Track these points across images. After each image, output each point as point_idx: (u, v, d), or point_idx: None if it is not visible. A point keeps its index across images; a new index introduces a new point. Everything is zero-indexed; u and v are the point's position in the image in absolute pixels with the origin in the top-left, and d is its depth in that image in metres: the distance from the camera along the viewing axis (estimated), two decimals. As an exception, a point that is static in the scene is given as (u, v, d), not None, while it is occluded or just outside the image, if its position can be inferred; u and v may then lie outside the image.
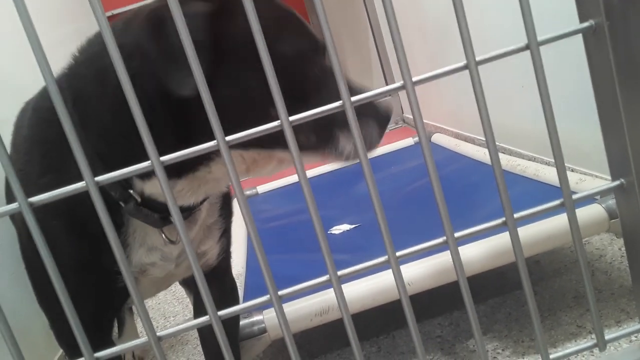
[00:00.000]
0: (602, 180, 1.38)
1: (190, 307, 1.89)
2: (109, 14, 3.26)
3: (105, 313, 0.93)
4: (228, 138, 0.53)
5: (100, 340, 0.90)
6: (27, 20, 0.49)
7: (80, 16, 2.82)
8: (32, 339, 1.40)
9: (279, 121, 0.54)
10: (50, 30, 2.29)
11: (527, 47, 0.55)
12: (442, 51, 2.44)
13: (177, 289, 2.05)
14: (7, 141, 1.25)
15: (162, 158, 0.54)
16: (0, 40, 1.76)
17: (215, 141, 0.53)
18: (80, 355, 0.57)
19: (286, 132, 0.54)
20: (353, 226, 1.69)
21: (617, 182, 0.64)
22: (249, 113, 0.73)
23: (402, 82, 0.55)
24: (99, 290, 0.86)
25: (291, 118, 0.54)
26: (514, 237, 0.61)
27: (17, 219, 0.88)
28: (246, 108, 0.73)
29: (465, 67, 0.54)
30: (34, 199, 0.53)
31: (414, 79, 0.54)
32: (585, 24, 0.59)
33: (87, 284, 0.86)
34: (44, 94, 0.87)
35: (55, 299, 0.56)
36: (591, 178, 1.40)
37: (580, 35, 0.63)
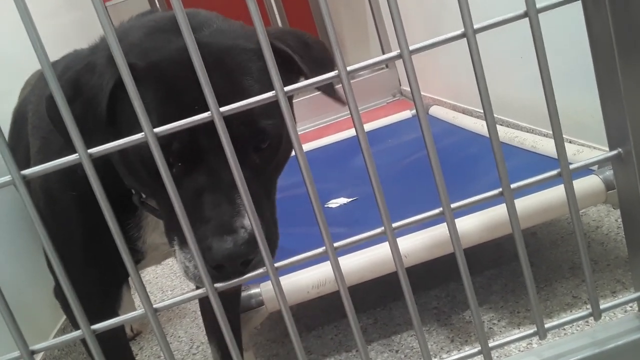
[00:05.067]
0: (600, 152, 1.37)
1: (188, 281, 1.89)
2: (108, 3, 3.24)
3: (113, 282, 0.96)
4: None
5: (105, 309, 0.92)
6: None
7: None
8: (30, 312, 1.41)
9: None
10: (39, 1, 2.26)
11: (525, 15, 0.54)
12: (439, 22, 2.41)
13: (175, 263, 2.06)
14: (4, 112, 1.25)
15: (156, 130, 0.53)
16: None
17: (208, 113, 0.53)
18: (87, 322, 0.57)
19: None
20: (350, 200, 1.69)
21: (614, 152, 0.64)
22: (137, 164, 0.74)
23: (398, 51, 0.54)
24: (108, 259, 0.88)
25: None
26: (511, 208, 0.60)
27: (33, 187, 0.90)
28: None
29: (463, 35, 0.54)
30: (27, 171, 0.53)
31: (411, 47, 0.53)
32: (585, -9, 0.58)
33: (96, 251, 0.90)
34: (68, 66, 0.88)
35: (65, 266, 0.57)
36: (589, 149, 1.40)
37: (579, 6, 0.62)
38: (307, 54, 0.77)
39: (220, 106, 0.54)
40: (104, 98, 0.68)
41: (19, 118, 1.14)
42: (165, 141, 0.64)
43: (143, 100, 0.67)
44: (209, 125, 0.60)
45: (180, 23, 0.51)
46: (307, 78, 0.76)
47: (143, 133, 0.53)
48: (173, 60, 0.69)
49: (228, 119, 0.55)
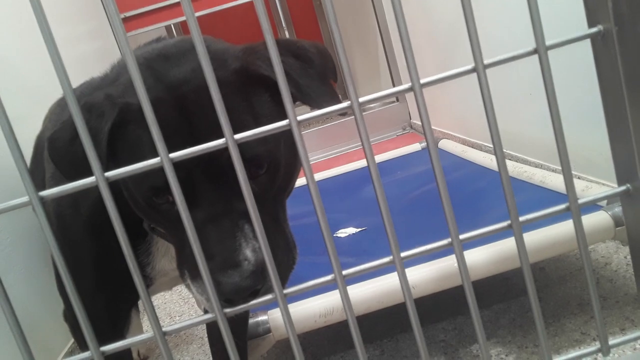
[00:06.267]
0: (608, 188, 1.37)
1: (196, 307, 1.89)
2: (123, 15, 3.29)
3: (121, 307, 0.97)
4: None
5: (113, 334, 0.92)
6: (43, 22, 0.50)
7: (90, 16, 2.86)
8: (40, 333, 1.42)
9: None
10: (61, 30, 2.32)
11: (535, 52, 0.56)
12: (450, 58, 2.44)
13: (184, 289, 2.06)
14: (21, 138, 1.27)
15: (171, 155, 0.55)
16: (15, 39, 1.78)
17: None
18: (96, 343, 0.57)
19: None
20: (359, 230, 1.69)
21: (623, 188, 0.64)
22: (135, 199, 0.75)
23: (410, 84, 0.55)
24: (117, 284, 0.89)
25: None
26: (519, 240, 0.61)
27: (49, 210, 0.92)
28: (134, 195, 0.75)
29: (473, 70, 0.55)
30: (44, 193, 0.54)
31: (422, 80, 0.54)
32: (594, 29, 0.59)
33: (107, 277, 0.91)
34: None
35: (75, 290, 0.57)
36: (598, 186, 1.40)
37: (589, 47, 0.63)
38: (300, 71, 0.74)
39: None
40: (103, 139, 0.69)
41: (39, 144, 1.17)
42: (161, 182, 0.65)
43: (139, 140, 0.69)
44: (202, 162, 0.61)
45: (200, 57, 0.52)
46: (300, 99, 0.74)
47: (159, 158, 0.54)
48: (165, 101, 0.70)
49: (218, 151, 0.55)
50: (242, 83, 0.73)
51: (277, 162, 0.73)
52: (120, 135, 0.71)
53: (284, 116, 0.56)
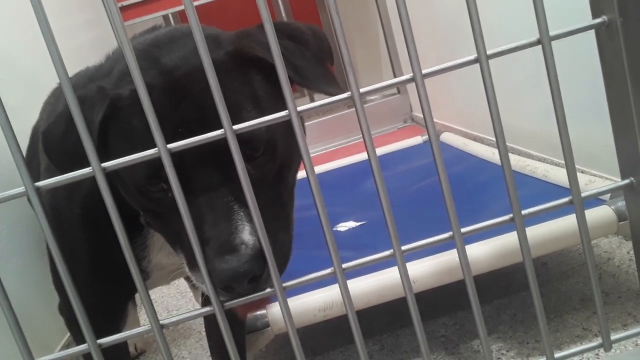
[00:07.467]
0: (612, 182, 1.37)
1: (194, 301, 1.89)
2: (120, 4, 3.27)
3: (117, 300, 0.96)
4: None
5: (110, 327, 0.92)
6: (40, 12, 0.49)
7: (87, 5, 2.85)
8: (36, 326, 1.41)
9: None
10: (58, 20, 2.31)
11: (538, 42, 0.55)
12: (452, 50, 2.43)
13: (181, 283, 2.05)
14: (17, 128, 1.26)
15: (169, 146, 0.54)
16: (12, 29, 1.78)
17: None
18: (93, 336, 0.57)
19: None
20: (359, 224, 1.69)
21: (626, 181, 0.64)
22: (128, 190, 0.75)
23: (411, 74, 0.54)
24: (113, 277, 0.89)
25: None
26: (521, 234, 0.60)
27: (44, 202, 0.91)
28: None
29: (476, 60, 0.54)
30: (40, 183, 0.53)
31: (424, 71, 0.54)
32: (598, 20, 0.59)
33: (103, 270, 0.90)
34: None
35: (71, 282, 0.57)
36: (601, 180, 1.39)
37: (593, 38, 0.63)
38: (295, 53, 0.73)
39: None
40: (94, 130, 0.69)
41: (35, 134, 1.16)
42: (154, 170, 0.64)
43: (131, 127, 0.69)
44: (197, 145, 0.60)
45: (198, 45, 0.52)
46: (297, 82, 0.73)
47: (156, 149, 0.53)
48: (155, 87, 0.69)
49: (212, 130, 0.55)
50: (235, 65, 0.72)
51: (273, 144, 0.71)
52: (112, 126, 0.71)
53: (279, 96, 0.53)
